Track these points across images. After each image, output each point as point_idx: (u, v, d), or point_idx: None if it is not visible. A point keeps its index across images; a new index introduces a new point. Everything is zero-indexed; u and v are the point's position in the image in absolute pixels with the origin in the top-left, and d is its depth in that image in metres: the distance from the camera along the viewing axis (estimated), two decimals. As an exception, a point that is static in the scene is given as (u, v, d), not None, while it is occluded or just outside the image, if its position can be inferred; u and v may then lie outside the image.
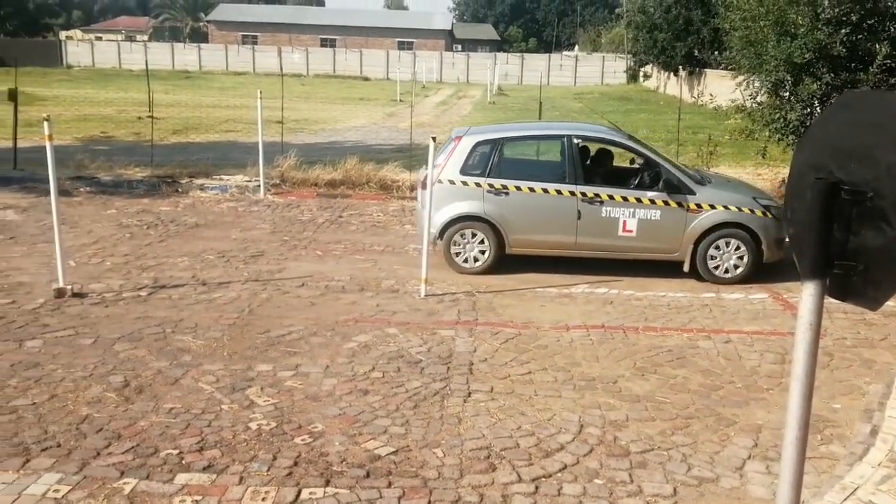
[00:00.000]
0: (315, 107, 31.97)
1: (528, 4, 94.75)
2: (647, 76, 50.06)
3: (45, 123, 7.34)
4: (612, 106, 34.57)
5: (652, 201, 8.84)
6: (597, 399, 5.81)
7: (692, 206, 8.83)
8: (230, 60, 59.12)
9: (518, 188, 8.98)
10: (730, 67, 17.05)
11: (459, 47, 73.61)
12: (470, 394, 5.84)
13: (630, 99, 39.76)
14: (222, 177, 14.32)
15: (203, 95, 35.77)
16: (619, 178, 9.36)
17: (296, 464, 4.75)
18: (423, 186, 8.68)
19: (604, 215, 8.88)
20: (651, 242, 8.94)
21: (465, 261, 9.12)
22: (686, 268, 8.99)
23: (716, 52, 31.13)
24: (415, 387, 5.93)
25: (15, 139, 14.63)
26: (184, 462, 4.73)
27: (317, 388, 5.86)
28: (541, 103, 15.99)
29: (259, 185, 13.50)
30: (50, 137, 7.41)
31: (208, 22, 75.21)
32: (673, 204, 8.83)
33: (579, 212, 8.88)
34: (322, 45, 66.21)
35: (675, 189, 8.85)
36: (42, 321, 7.05)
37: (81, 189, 12.87)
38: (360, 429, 5.24)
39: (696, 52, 36.14)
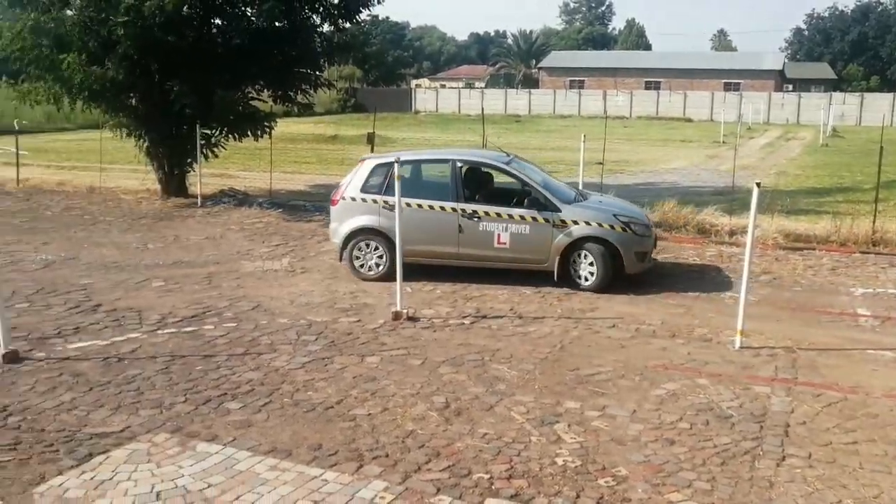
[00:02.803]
0: (635, 148, 31.95)
1: (870, 41, 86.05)
2: None
3: (395, 166, 8.31)
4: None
5: (522, 217, 9.93)
6: (940, 483, 5.14)
7: (557, 221, 9.86)
8: (557, 104, 61.28)
9: (409, 205, 9.82)
10: None
11: (790, 87, 68.91)
12: (784, 457, 5.48)
13: None
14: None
15: (530, 137, 37.45)
16: (498, 197, 10.44)
17: (597, 504, 4.83)
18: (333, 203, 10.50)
19: (481, 229, 10.00)
20: (522, 254, 10.06)
21: (366, 268, 10.36)
22: (556, 277, 9.98)
23: None
24: (724, 443, 5.71)
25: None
26: (493, 487, 5.03)
27: (623, 431, 5.88)
28: (882, 147, 14.43)
29: (576, 226, 13.81)
30: (398, 177, 8.35)
31: (539, 68, 78.70)
32: (540, 220, 9.92)
33: (460, 226, 9.97)
34: (646, 88, 65.99)
35: (542, 206, 9.94)
36: (381, 340, 7.92)
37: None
38: (664, 479, 5.17)
39: None
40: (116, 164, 21.28)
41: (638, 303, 9.53)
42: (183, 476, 5.11)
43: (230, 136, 16.57)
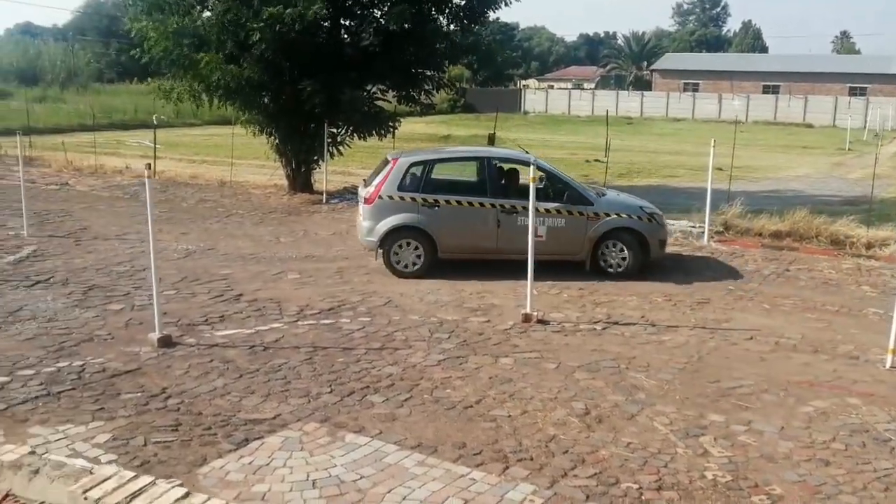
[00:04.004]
0: (754, 154, 30.81)
1: None
2: None
3: (531, 167, 8.32)
4: None
5: (558, 211, 10.40)
6: None
7: (591, 214, 10.45)
8: (670, 107, 59.83)
9: (447, 202, 10.40)
10: None
11: (923, 93, 64.90)
12: (955, 487, 5.19)
13: None
14: (668, 221, 14.58)
15: (645, 141, 36.71)
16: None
17: (754, 522, 4.70)
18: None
19: (519, 223, 10.18)
20: (558, 246, 10.46)
21: (404, 265, 10.48)
22: (587, 266, 10.61)
23: None
24: (884, 468, 5.45)
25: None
26: (643, 498, 4.97)
27: (772, 448, 5.70)
28: None
29: (703, 232, 13.50)
30: (532, 180, 8.36)
31: (652, 70, 77.11)
32: (576, 213, 10.45)
33: (499, 221, 10.37)
34: (764, 92, 63.57)
35: (578, 201, 10.47)
36: (512, 341, 7.95)
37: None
38: (823, 501, 4.98)
39: None
40: (244, 159, 22.12)
41: (775, 315, 9.21)
42: (336, 466, 5.27)
43: (355, 134, 16.97)
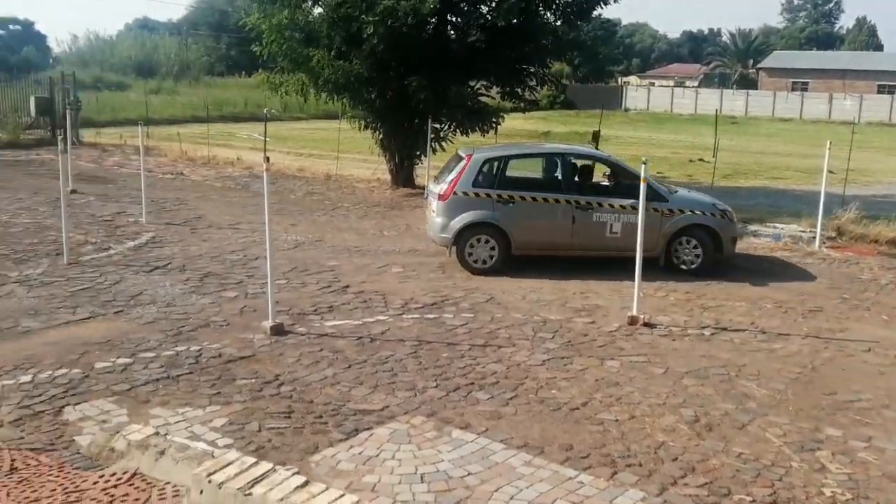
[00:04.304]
0: (868, 157, 29.33)
1: None
2: None
3: (643, 166, 8.19)
4: None
5: (634, 208, 9.79)
6: None
7: (666, 210, 10.41)
8: (777, 107, 57.65)
9: (523, 198, 10.38)
10: None
11: None
12: None
13: None
14: (776, 224, 14.14)
15: (750, 141, 35.53)
16: (605, 189, 10.92)
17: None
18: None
19: (594, 220, 10.37)
20: (633, 243, 9.45)
21: (478, 261, 10.42)
22: (661, 262, 10.55)
23: None
24: None
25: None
26: (758, 509, 4.84)
27: (895, 467, 5.46)
28: None
29: (814, 237, 12.99)
30: (643, 180, 8.23)
31: (759, 69, 74.49)
32: (651, 210, 10.07)
33: (574, 217, 10.29)
34: (878, 92, 60.44)
35: (653, 197, 10.11)
36: (618, 344, 7.85)
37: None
38: (953, 526, 4.73)
39: None
40: (347, 153, 22.58)
41: (893, 327, 8.79)
42: (443, 461, 5.34)
43: (458, 130, 17.07)
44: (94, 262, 10.50)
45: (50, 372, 6.70)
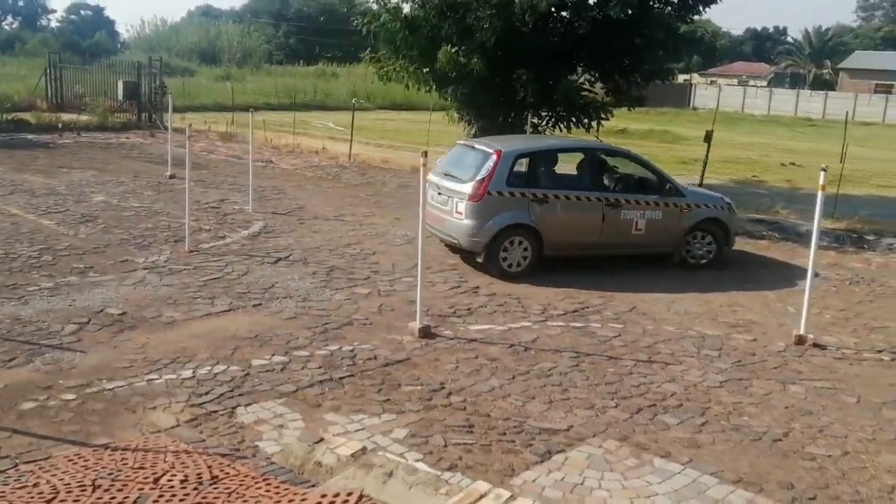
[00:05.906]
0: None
1: None
2: None
3: (822, 174, 7.57)
4: None
5: (656, 204, 10.18)
6: None
7: (683, 206, 10.36)
8: (857, 109, 55.66)
9: (556, 196, 9.84)
10: None
11: None
12: None
13: None
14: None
15: (834, 145, 34.18)
16: (630, 185, 10.57)
17: None
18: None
19: (622, 217, 10.07)
20: (655, 239, 10.29)
21: (511, 265, 9.77)
22: (676, 259, 10.54)
23: None
24: None
25: (702, 176, 15.88)
26: None
27: None
28: None
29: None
30: (823, 188, 7.60)
31: (839, 69, 72.22)
32: (671, 205, 10.28)
33: (604, 215, 9.95)
34: (965, 95, 58.13)
35: (673, 193, 10.31)
36: (792, 366, 7.24)
37: (765, 233, 13.18)
38: None
39: None
40: (426, 146, 22.13)
41: None
42: (657, 494, 4.85)
43: (558, 125, 16.45)
44: (214, 251, 10.22)
45: (209, 368, 6.39)
